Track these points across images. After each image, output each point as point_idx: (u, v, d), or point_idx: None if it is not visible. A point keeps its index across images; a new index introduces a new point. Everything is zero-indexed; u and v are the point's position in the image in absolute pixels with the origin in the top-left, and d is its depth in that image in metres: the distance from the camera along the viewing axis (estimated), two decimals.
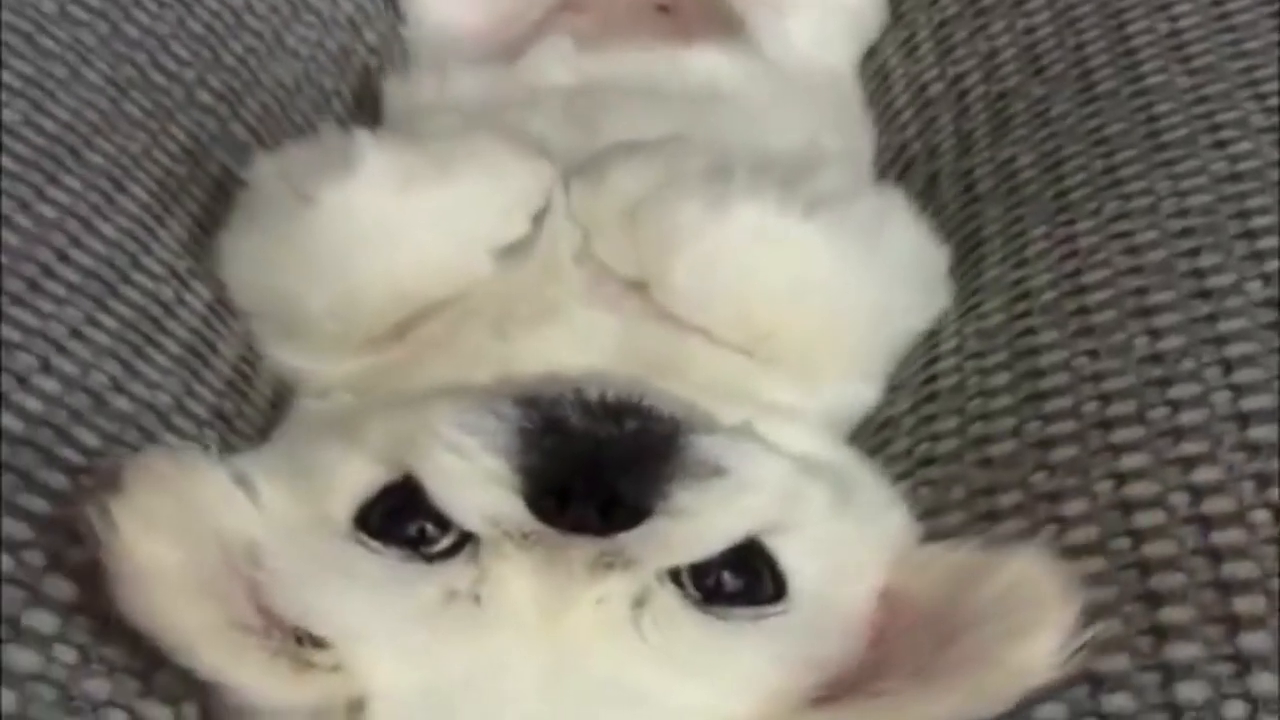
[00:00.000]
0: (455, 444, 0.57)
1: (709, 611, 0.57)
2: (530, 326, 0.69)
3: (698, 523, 0.57)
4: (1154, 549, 0.62)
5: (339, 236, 0.69)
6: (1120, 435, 0.67)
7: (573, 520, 0.55)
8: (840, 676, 0.58)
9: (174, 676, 0.59)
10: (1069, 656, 0.55)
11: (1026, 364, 0.72)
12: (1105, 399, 0.69)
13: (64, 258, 0.74)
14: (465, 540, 0.57)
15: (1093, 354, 0.71)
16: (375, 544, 0.58)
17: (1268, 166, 0.75)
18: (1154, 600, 0.61)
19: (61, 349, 0.70)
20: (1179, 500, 0.63)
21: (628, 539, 0.56)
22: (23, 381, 0.66)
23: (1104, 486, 0.65)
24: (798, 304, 0.69)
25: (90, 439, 0.67)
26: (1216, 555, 0.61)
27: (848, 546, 0.62)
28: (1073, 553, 0.63)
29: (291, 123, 0.97)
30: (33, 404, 0.66)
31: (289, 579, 0.58)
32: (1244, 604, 0.59)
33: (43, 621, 0.59)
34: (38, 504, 0.62)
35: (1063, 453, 0.67)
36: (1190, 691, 0.57)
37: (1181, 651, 0.59)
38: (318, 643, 0.56)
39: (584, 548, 0.55)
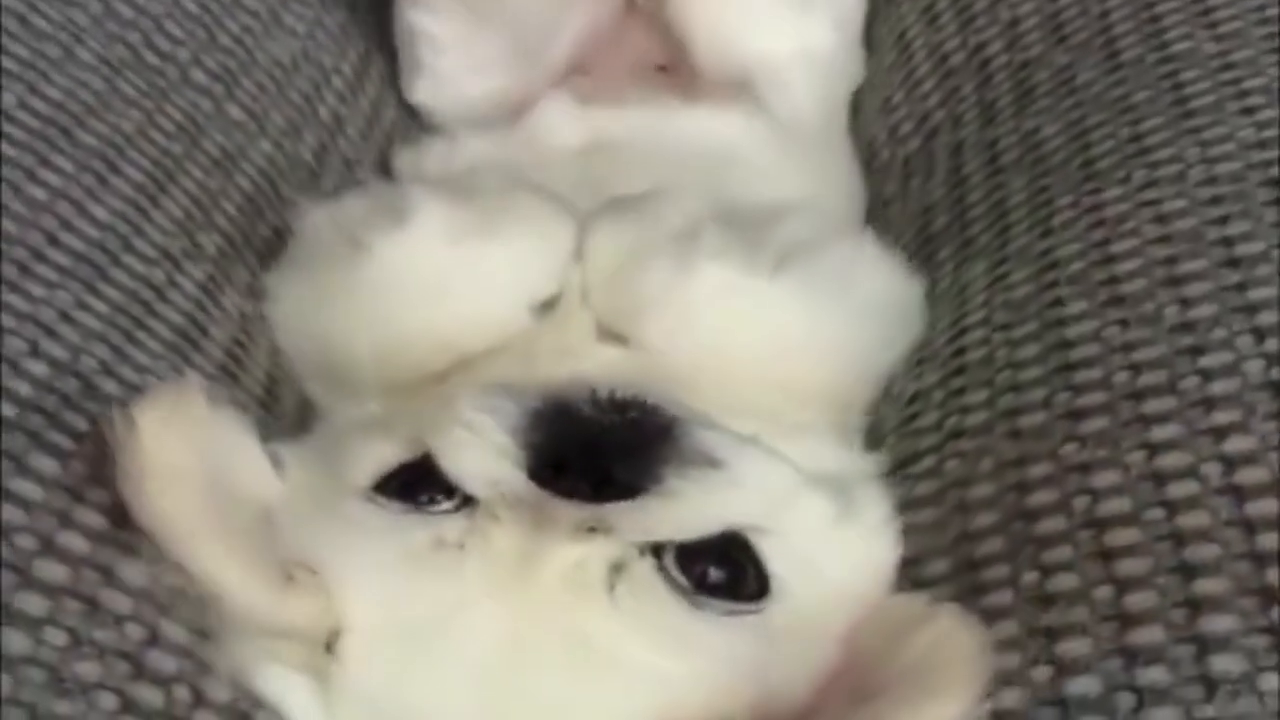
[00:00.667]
0: (470, 420, 0.60)
1: (684, 594, 0.60)
2: (551, 361, 0.70)
3: (683, 505, 0.59)
4: (1188, 520, 0.62)
5: (390, 286, 0.71)
6: (1152, 406, 0.66)
7: (565, 487, 0.59)
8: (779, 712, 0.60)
9: (165, 657, 0.60)
10: None
11: (1055, 335, 0.72)
12: (1136, 369, 0.68)
13: (54, 241, 0.74)
14: (466, 504, 0.61)
15: (1123, 324, 0.70)
16: (383, 500, 0.62)
17: None
18: (1189, 572, 0.60)
19: (51, 333, 0.69)
20: (1212, 471, 0.63)
21: (614, 509, 0.58)
22: (13, 366, 0.66)
23: (1136, 458, 0.65)
24: (773, 360, 0.70)
25: (80, 423, 0.67)
26: (1250, 527, 0.60)
27: (837, 567, 0.64)
28: (1105, 525, 0.63)
29: (289, 101, 0.96)
30: (23, 389, 0.66)
31: (293, 521, 0.62)
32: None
33: (33, 604, 0.59)
34: (28, 488, 0.62)
35: (1094, 424, 0.67)
36: (1226, 664, 0.57)
37: (1217, 624, 0.58)
38: (308, 571, 0.61)
39: (571, 512, 0.58)
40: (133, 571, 0.62)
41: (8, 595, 0.58)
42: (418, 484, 0.62)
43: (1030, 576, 0.63)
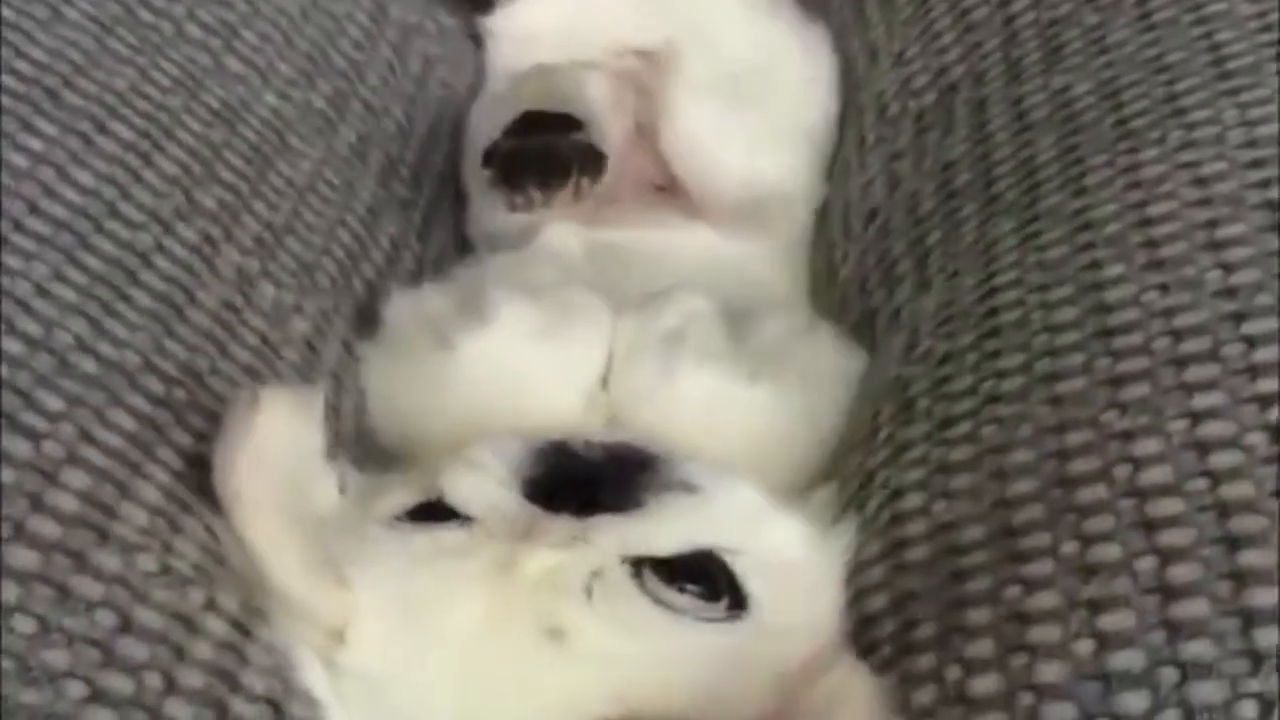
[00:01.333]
0: (476, 457, 0.68)
1: (659, 600, 0.65)
2: None
3: (660, 523, 0.66)
4: (1231, 490, 0.60)
5: (473, 381, 0.78)
6: (1194, 373, 0.65)
7: (554, 505, 0.66)
8: None
9: (137, 645, 0.59)
10: None
11: (1093, 299, 0.70)
12: (1177, 335, 0.66)
13: (34, 209, 0.72)
14: (468, 523, 0.67)
15: (1163, 288, 0.68)
16: (398, 524, 0.69)
17: None
18: (1233, 544, 0.59)
19: (26, 308, 0.67)
20: (1257, 440, 0.61)
21: (596, 523, 0.65)
22: None
23: (1178, 426, 0.63)
24: (743, 454, 0.75)
25: (54, 402, 0.65)
26: None
27: (805, 592, 0.68)
28: (1147, 494, 0.61)
29: (297, 51, 0.94)
30: None
31: (336, 532, 0.69)
32: None
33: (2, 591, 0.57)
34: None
35: (1135, 391, 0.65)
36: (1271, 637, 0.56)
37: (1261, 597, 0.57)
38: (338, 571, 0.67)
39: (558, 526, 0.65)
40: (105, 557, 0.61)
41: None
42: (430, 515, 0.68)
43: (1071, 546, 0.61)
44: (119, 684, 0.58)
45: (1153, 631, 0.57)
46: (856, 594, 0.68)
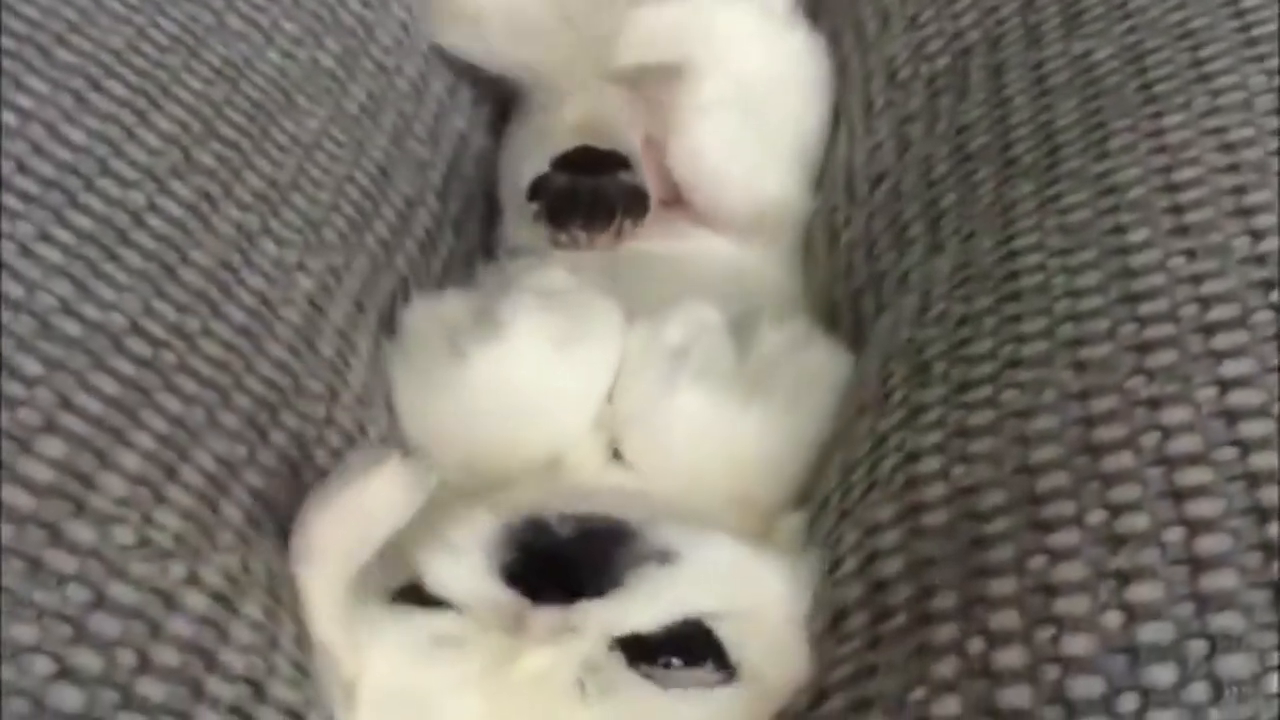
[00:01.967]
0: (451, 543, 0.67)
1: (652, 679, 0.65)
2: (570, 471, 0.78)
3: (642, 599, 0.66)
4: (1261, 460, 0.58)
5: (484, 392, 0.78)
6: (1222, 341, 0.63)
7: (536, 594, 0.66)
8: None
9: (108, 620, 0.57)
10: None
11: (1118, 263, 0.68)
12: (1205, 302, 0.65)
13: (22, 167, 0.70)
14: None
15: (1189, 254, 0.67)
16: (397, 605, 0.68)
17: None
18: (1262, 515, 0.57)
19: (12, 271, 0.65)
20: None
21: (580, 610, 0.65)
22: None
23: (1207, 394, 0.61)
24: (733, 475, 0.77)
25: (32, 367, 0.63)
26: None
27: (792, 629, 0.69)
28: (1175, 463, 0.60)
29: (304, 9, 0.92)
30: None
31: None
32: None
33: None
34: None
35: (1162, 357, 0.63)
36: None
37: None
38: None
39: (543, 616, 0.65)
40: (80, 529, 0.59)
41: None
42: (420, 596, 0.68)
43: (1098, 515, 0.59)
44: (88, 661, 0.56)
45: (1181, 604, 0.56)
46: (869, 558, 0.66)
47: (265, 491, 0.69)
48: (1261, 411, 0.60)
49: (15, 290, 0.65)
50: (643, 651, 0.66)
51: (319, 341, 0.77)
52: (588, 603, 0.65)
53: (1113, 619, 0.56)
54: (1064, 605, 0.57)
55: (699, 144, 0.95)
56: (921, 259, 0.81)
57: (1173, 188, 0.70)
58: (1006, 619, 0.58)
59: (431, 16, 1.02)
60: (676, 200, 0.97)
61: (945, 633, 0.60)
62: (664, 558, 0.67)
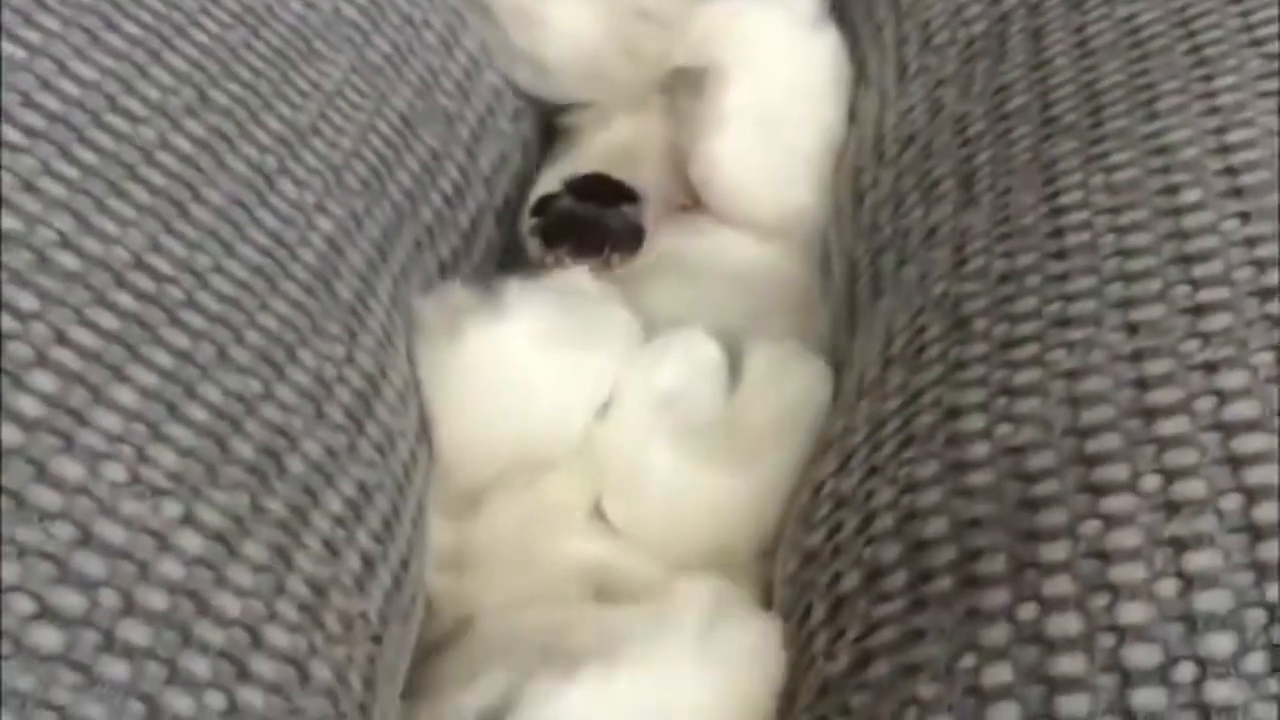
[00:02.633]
0: None
1: None
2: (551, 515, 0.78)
3: None
4: None
5: (477, 372, 0.78)
6: (1279, 305, 0.61)
7: None
8: None
9: (93, 560, 0.55)
10: None
11: (1170, 223, 0.66)
12: (1260, 266, 0.63)
13: (28, 101, 0.67)
14: None
15: (1243, 217, 0.65)
16: None
17: None
18: None
19: (11, 205, 0.63)
20: None
21: None
22: None
23: (1264, 358, 0.59)
24: (715, 529, 0.76)
25: (26, 301, 0.60)
26: None
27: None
28: (1233, 429, 0.58)
29: None
30: None
31: None
32: None
33: None
34: None
35: (1216, 320, 0.61)
36: None
37: None
38: None
39: None
40: (68, 465, 0.57)
41: None
42: None
43: (1152, 481, 0.57)
44: (70, 601, 0.54)
45: (1240, 572, 0.54)
46: (907, 516, 0.64)
47: (286, 427, 0.66)
48: None
49: (14, 224, 0.63)
50: None
51: (337, 284, 0.75)
52: None
53: (1169, 587, 0.54)
54: (1119, 572, 0.55)
55: (716, 153, 0.95)
56: (952, 213, 0.78)
57: (1225, 149, 0.68)
58: (1060, 585, 0.56)
59: (495, 57, 1.01)
60: (697, 204, 0.97)
61: (995, 598, 0.58)
62: None
